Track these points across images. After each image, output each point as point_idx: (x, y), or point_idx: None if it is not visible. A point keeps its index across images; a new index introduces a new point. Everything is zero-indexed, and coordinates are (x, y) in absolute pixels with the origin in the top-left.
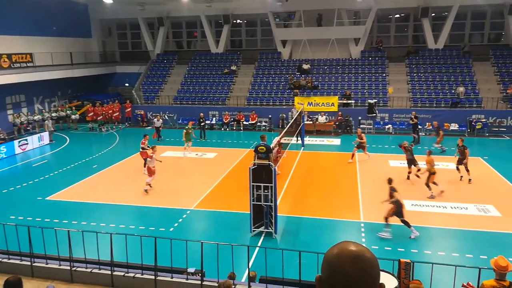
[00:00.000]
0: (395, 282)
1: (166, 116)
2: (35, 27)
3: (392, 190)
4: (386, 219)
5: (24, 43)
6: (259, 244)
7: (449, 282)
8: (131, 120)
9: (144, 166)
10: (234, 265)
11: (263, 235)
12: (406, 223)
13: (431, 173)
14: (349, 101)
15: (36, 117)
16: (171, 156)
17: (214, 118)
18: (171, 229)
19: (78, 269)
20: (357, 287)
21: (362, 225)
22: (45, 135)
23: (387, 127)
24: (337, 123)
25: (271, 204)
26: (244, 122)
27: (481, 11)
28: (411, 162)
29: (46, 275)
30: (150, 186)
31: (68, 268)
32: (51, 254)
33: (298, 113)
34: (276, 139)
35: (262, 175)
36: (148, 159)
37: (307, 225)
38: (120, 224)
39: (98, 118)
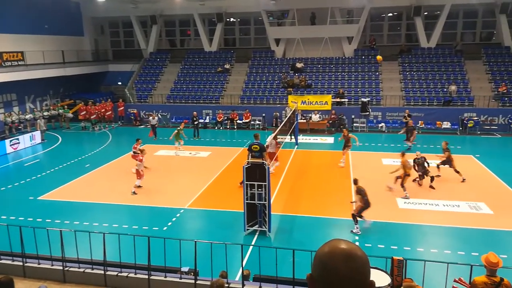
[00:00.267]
0: (388, 279)
1: (159, 115)
2: (27, 25)
3: (359, 190)
4: (353, 216)
5: (15, 41)
6: (253, 243)
7: (442, 279)
8: (124, 119)
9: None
10: (228, 263)
11: (257, 233)
12: (355, 217)
13: (406, 174)
14: (343, 100)
15: (27, 116)
16: (165, 155)
17: (207, 117)
18: (165, 228)
19: (71, 269)
20: (349, 286)
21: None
22: (37, 134)
23: (380, 125)
24: (330, 121)
25: (265, 202)
26: (238, 121)
27: (473, 10)
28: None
29: (38, 275)
30: (139, 187)
31: (61, 268)
32: (43, 254)
33: (291, 111)
34: (271, 137)
35: (256, 174)
36: (138, 162)
37: (300, 223)
38: (113, 224)
39: (91, 117)
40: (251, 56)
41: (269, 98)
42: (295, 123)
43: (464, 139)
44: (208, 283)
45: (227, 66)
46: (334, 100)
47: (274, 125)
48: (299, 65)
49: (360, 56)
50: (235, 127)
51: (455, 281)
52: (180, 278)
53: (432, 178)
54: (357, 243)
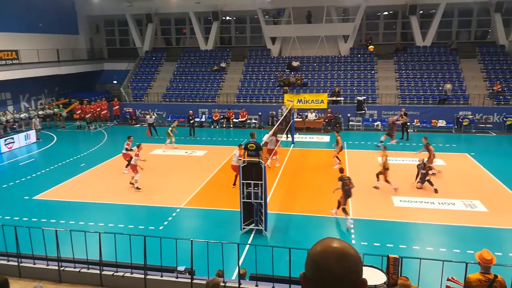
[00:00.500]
0: (383, 277)
1: (155, 114)
2: (21, 24)
3: (340, 178)
4: (343, 209)
5: (9, 40)
6: (249, 242)
7: (437, 276)
8: (120, 118)
9: (126, 167)
10: (225, 262)
11: (253, 232)
12: (344, 210)
13: (385, 168)
14: (339, 98)
15: (22, 115)
16: (161, 154)
17: (203, 116)
18: (161, 227)
19: (66, 269)
20: (342, 284)
21: (351, 221)
22: (32, 133)
23: (376, 124)
24: (326, 120)
25: (261, 201)
26: (234, 120)
27: (468, 8)
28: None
29: (33, 276)
30: (134, 182)
31: (56, 268)
32: (38, 254)
33: (288, 110)
34: (267, 135)
35: (252, 173)
36: (135, 157)
37: (297, 222)
38: (109, 223)
39: (86, 116)
40: (247, 55)
41: (265, 97)
42: (291, 121)
43: (459, 138)
44: (205, 282)
45: (223, 64)
46: (330, 98)
47: (270, 123)
48: (295, 63)
49: (356, 55)
50: (231, 126)
51: (448, 280)
52: (177, 277)
53: (431, 183)
54: (353, 242)
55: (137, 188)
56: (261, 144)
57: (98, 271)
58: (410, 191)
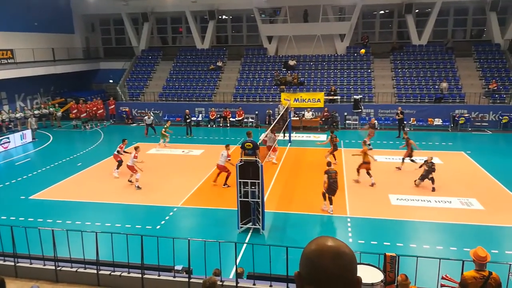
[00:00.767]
0: (381, 275)
1: (151, 113)
2: (16, 23)
3: (326, 171)
4: (323, 195)
5: (4, 39)
6: (246, 241)
7: (434, 274)
8: (116, 117)
9: (117, 169)
10: (222, 261)
11: (251, 231)
12: (324, 196)
13: (364, 162)
14: (335, 97)
15: (18, 115)
16: (157, 154)
17: (200, 115)
18: (158, 227)
19: (63, 268)
20: (337, 283)
21: (349, 220)
22: (28, 133)
23: None
24: (323, 119)
25: (258, 200)
26: (231, 119)
27: (464, 7)
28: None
29: (30, 275)
30: (135, 181)
31: (53, 267)
32: (35, 254)
33: (284, 109)
34: (264, 134)
35: (249, 172)
36: (133, 159)
37: (294, 220)
38: (105, 223)
39: (82, 116)
40: (244, 54)
41: (262, 96)
42: (288, 120)
43: (455, 136)
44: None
45: (219, 63)
46: (326, 97)
47: (267, 122)
48: (291, 62)
49: (352, 54)
50: (228, 125)
51: (442, 278)
52: (174, 276)
53: (432, 181)
54: (350, 240)
55: (138, 187)
56: (258, 143)
57: (95, 271)
58: (407, 190)
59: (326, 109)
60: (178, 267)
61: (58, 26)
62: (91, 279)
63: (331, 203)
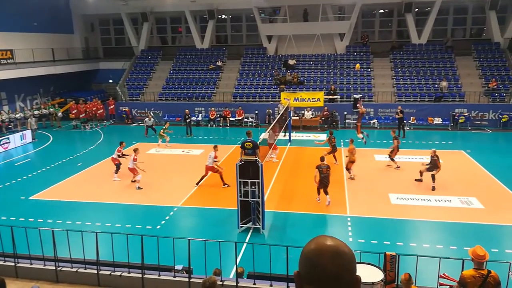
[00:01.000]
0: (381, 275)
1: (151, 113)
2: (16, 23)
3: (317, 166)
4: (318, 190)
5: (4, 39)
6: (246, 240)
7: (434, 273)
8: (116, 117)
9: (116, 173)
10: (222, 261)
11: (251, 231)
12: (318, 190)
13: (351, 161)
14: (335, 96)
15: (18, 115)
16: (157, 154)
17: (200, 115)
18: (158, 226)
19: (64, 269)
20: (337, 282)
21: (349, 219)
22: (28, 133)
23: (372, 122)
24: (323, 118)
25: (258, 200)
26: (231, 118)
27: (463, 6)
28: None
29: (30, 276)
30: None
31: (53, 268)
32: (35, 254)
33: (284, 108)
34: (264, 134)
35: (249, 171)
36: (134, 161)
37: (294, 220)
38: (106, 223)
39: (81, 116)
40: (243, 53)
41: (262, 95)
42: (288, 120)
43: (455, 135)
44: None
45: (219, 63)
46: (326, 96)
47: (267, 122)
48: (291, 62)
49: (352, 53)
50: (228, 124)
51: (440, 277)
52: (174, 276)
53: (433, 179)
54: (350, 239)
55: (139, 187)
56: (257, 142)
57: (95, 271)
58: (407, 189)
59: (326, 108)
60: (178, 267)
61: (57, 26)
62: (92, 279)
63: (326, 193)
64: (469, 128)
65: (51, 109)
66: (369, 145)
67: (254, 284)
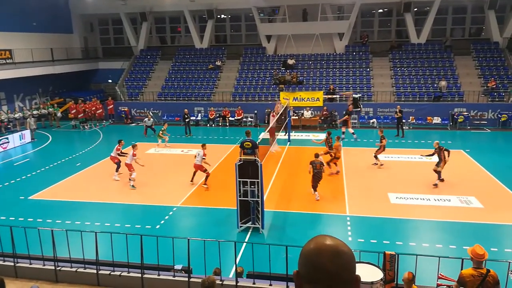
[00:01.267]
0: (380, 274)
1: (150, 113)
2: (15, 23)
3: (311, 162)
4: (313, 187)
5: (3, 39)
6: (246, 240)
7: (433, 273)
8: (115, 117)
9: (116, 171)
10: (222, 261)
11: (250, 230)
12: (314, 187)
13: (336, 157)
14: (334, 96)
15: (17, 115)
16: (156, 153)
17: (199, 114)
18: (158, 226)
19: (63, 268)
20: (336, 282)
21: (348, 218)
22: (27, 133)
23: (371, 121)
24: (322, 117)
25: (258, 199)
26: (230, 118)
27: (462, 6)
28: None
29: (30, 276)
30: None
31: (53, 268)
32: (34, 254)
33: (283, 108)
34: (264, 133)
35: (249, 171)
36: (133, 157)
37: (293, 219)
38: (105, 223)
39: (79, 116)
40: (242, 53)
41: (261, 95)
42: (287, 119)
43: (454, 134)
44: None
45: (218, 63)
46: (325, 96)
47: (266, 122)
48: (290, 61)
49: (351, 52)
50: (227, 124)
51: (438, 277)
52: (174, 276)
53: (438, 175)
54: (349, 239)
55: (133, 186)
56: (256, 142)
57: (95, 271)
58: (406, 188)
59: (325, 108)
60: (178, 267)
61: (56, 26)
62: (91, 279)
63: (315, 190)
64: (468, 127)
65: (50, 109)
66: (369, 145)
67: (254, 283)
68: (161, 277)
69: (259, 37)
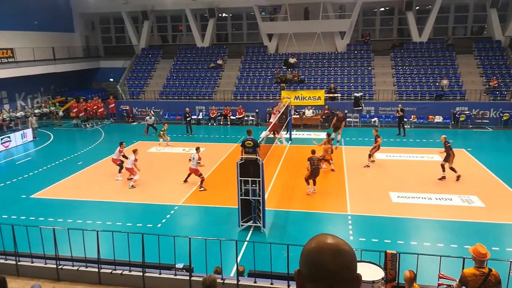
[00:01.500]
0: (381, 273)
1: (152, 112)
2: (16, 22)
3: (309, 158)
4: (306, 180)
5: (4, 38)
6: (247, 239)
7: (435, 272)
8: (116, 116)
9: (119, 172)
10: (223, 260)
11: (252, 229)
12: (307, 181)
13: (323, 158)
14: (336, 95)
15: (18, 114)
16: (158, 152)
17: (201, 113)
18: (159, 225)
19: (65, 267)
20: (338, 281)
21: (349, 217)
22: (29, 132)
23: (373, 120)
24: (324, 116)
25: (259, 198)
26: (231, 117)
27: (464, 4)
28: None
29: (32, 274)
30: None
31: (54, 266)
32: (36, 252)
33: (285, 107)
34: (264, 133)
35: (250, 170)
36: (134, 162)
37: (295, 218)
38: (106, 221)
39: (80, 115)
40: (244, 52)
41: (262, 94)
42: (289, 118)
43: (456, 133)
44: None
45: (219, 61)
46: (327, 95)
47: (267, 120)
48: (292, 60)
49: (353, 51)
50: (229, 123)
51: (439, 277)
52: (175, 274)
53: (453, 170)
54: (351, 238)
55: (132, 186)
56: (258, 141)
57: (96, 269)
58: (407, 187)
59: (326, 106)
60: (179, 265)
61: (58, 24)
62: (93, 278)
63: (314, 184)
64: (470, 126)
65: (51, 108)
66: (371, 143)
67: (255, 282)
68: (162, 275)
69: (261, 35)
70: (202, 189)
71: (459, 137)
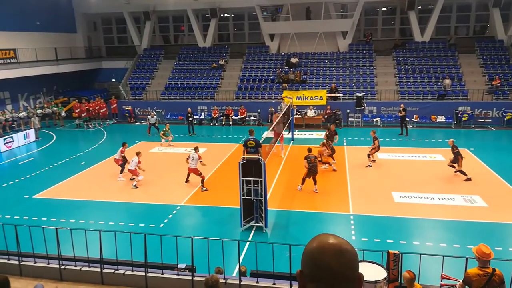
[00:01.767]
0: (384, 273)
1: (154, 111)
2: (18, 22)
3: (306, 157)
4: (303, 179)
5: (7, 38)
6: (249, 239)
7: (437, 272)
8: (118, 116)
9: (121, 173)
10: (225, 259)
11: (254, 229)
12: (303, 180)
13: (319, 160)
14: (338, 95)
15: (21, 114)
16: (160, 152)
17: (203, 113)
18: (161, 225)
19: (67, 267)
20: (339, 280)
21: (352, 217)
22: (31, 132)
23: (375, 120)
24: (326, 116)
25: (261, 198)
26: (233, 117)
27: (467, 3)
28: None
29: (34, 274)
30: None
31: (57, 266)
32: (39, 252)
33: (287, 107)
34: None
35: (252, 170)
36: (138, 164)
37: (297, 218)
38: (109, 221)
39: (83, 115)
40: (246, 52)
41: (264, 94)
42: (291, 118)
43: (458, 133)
44: None
45: (221, 61)
46: (329, 95)
47: (269, 120)
48: (293, 60)
49: (355, 51)
50: (231, 123)
51: (442, 278)
52: (177, 274)
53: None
54: (353, 238)
55: (135, 186)
56: (260, 141)
57: (99, 269)
58: (410, 187)
59: (328, 106)
60: (182, 265)
61: (60, 25)
62: (95, 278)
63: (315, 183)
64: (473, 126)
65: (54, 108)
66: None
67: (257, 282)
68: (164, 275)
69: (262, 35)
70: (204, 189)
71: (461, 137)
